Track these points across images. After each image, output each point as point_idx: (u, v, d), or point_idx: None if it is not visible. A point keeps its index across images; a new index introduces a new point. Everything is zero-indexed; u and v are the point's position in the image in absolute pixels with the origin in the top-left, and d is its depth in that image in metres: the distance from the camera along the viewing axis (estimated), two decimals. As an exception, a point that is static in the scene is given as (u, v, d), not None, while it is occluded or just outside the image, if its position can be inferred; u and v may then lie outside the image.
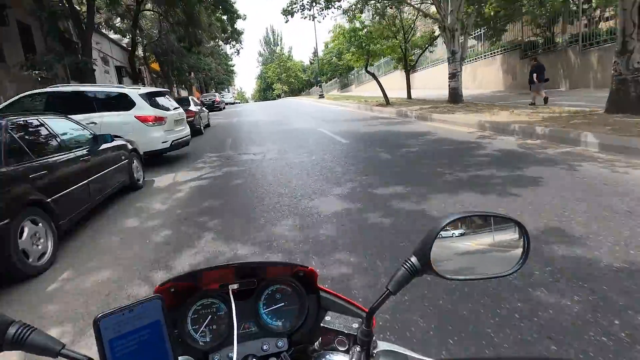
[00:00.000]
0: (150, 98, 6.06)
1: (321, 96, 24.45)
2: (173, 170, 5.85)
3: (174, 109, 6.72)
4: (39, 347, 0.44)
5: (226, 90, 50.01)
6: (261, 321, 0.65)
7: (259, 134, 9.93)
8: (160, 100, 6.44)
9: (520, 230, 0.54)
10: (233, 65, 48.56)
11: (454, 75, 11.59)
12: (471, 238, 0.56)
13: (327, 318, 0.58)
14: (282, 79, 52.81)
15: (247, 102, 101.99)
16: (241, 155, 6.84)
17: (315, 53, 63.77)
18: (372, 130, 8.62)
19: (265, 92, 66.76)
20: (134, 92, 5.87)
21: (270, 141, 8.30)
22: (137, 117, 5.82)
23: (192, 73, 26.48)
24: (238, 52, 34.46)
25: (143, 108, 5.83)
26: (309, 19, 13.40)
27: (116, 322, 0.43)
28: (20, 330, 0.44)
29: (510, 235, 0.55)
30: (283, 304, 0.66)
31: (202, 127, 11.66)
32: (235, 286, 0.63)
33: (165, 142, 6.12)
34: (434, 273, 0.51)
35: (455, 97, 11.84)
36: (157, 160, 6.31)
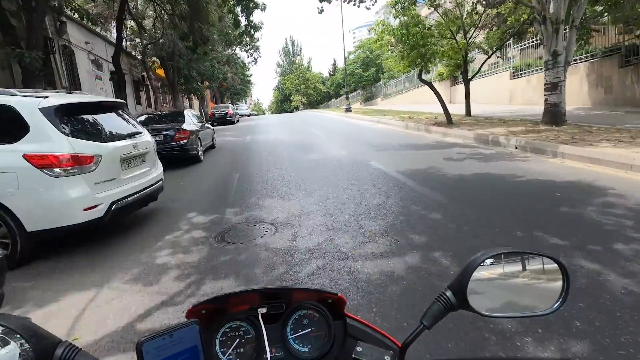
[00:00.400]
0: (68, 117, 3.26)
1: (348, 109, 20.82)
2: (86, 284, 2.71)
3: (129, 135, 3.86)
4: None
5: (242, 101, 48.09)
6: (288, 346, 0.65)
7: (282, 167, 6.82)
8: (99, 120, 3.63)
9: (560, 269, 0.54)
10: (250, 76, 46.59)
11: (555, 86, 8.01)
12: (508, 275, 0.55)
13: (359, 349, 0.58)
14: (300, 91, 51.14)
15: (264, 113, 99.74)
16: (250, 229, 3.66)
17: (334, 65, 61.36)
18: (468, 172, 5.25)
19: (283, 103, 65.07)
20: (32, 103, 3.04)
21: (301, 187, 5.14)
22: (28, 158, 2.96)
23: (206, 82, 24.13)
24: (255, 60, 31.48)
25: (44, 138, 3.02)
26: (355, 4, 10.89)
27: (157, 346, 0.46)
28: (67, 351, 0.47)
29: (549, 273, 0.55)
30: (310, 329, 0.66)
31: (200, 153, 8.75)
32: (263, 310, 0.64)
33: (93, 207, 3.17)
34: (470, 309, 0.51)
35: (555, 116, 8.66)
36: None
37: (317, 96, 52.61)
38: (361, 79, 35.27)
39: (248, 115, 32.03)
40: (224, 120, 22.49)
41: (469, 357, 0.67)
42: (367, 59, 35.37)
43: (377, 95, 32.64)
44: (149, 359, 0.46)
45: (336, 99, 46.73)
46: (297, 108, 56.96)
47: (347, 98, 24.16)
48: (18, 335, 0.45)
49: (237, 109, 28.46)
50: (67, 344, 0.48)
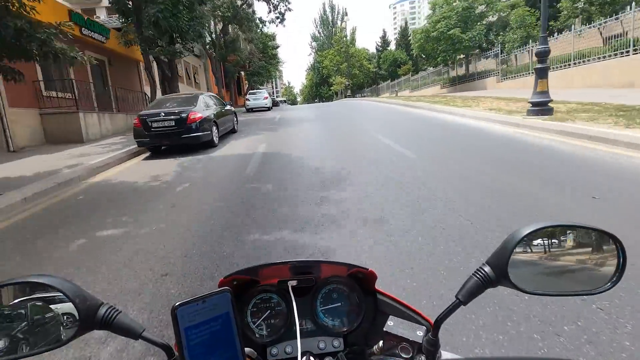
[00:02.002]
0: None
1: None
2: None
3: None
4: (124, 329, 0.57)
5: (264, 85, 46.16)
6: (318, 319, 0.78)
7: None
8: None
9: (615, 245, 0.57)
10: (276, 48, 41.21)
11: None
12: (554, 250, 0.59)
13: (390, 323, 0.67)
14: (341, 70, 49.72)
15: (295, 101, 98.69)
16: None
17: (384, 38, 59.92)
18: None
19: (319, 87, 64.87)
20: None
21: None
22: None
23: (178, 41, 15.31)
24: (281, 18, 28.09)
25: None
26: None
27: (191, 311, 0.54)
28: (108, 312, 0.56)
29: (601, 249, 0.58)
30: (340, 303, 0.79)
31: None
32: (294, 282, 0.77)
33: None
34: (511, 285, 0.55)
35: None
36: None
37: (363, 77, 51.12)
38: (456, 43, 24.55)
39: (268, 108, 25.21)
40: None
41: (471, 357, 0.74)
42: (469, 12, 24.43)
43: (485, 72, 23.88)
44: (183, 322, 0.54)
45: (391, 81, 43.88)
46: (335, 94, 55.83)
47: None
48: (64, 296, 0.53)
49: (247, 99, 25.63)
50: (109, 305, 0.57)
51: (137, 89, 16.83)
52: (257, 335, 0.77)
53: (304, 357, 0.70)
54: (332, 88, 51.92)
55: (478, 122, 9.66)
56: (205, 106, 9.10)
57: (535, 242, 0.59)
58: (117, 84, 15.10)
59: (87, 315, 0.55)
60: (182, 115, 8.31)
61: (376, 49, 58.06)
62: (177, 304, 0.54)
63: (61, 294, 0.54)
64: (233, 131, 11.78)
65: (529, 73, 18.88)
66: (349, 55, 47.86)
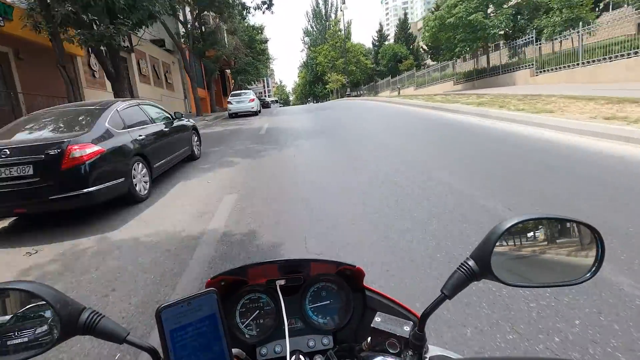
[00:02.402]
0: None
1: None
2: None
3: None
4: (107, 334, 0.56)
5: (253, 84, 42.92)
6: (307, 317, 0.80)
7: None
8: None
9: (593, 236, 0.59)
10: (265, 42, 37.19)
11: None
12: (535, 243, 0.61)
13: (377, 319, 0.67)
14: (337, 67, 45.85)
15: (288, 101, 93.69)
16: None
17: (380, 32, 55.30)
18: None
19: (313, 85, 60.78)
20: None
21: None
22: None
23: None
24: (268, 3, 23.69)
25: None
26: None
27: (176, 313, 0.54)
28: (91, 317, 0.56)
29: (580, 240, 0.61)
30: (329, 301, 0.80)
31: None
32: (282, 282, 0.78)
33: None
34: (494, 278, 0.57)
35: None
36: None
37: (360, 74, 47.22)
38: (478, 31, 20.15)
39: (254, 113, 21.17)
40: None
41: (470, 357, 0.65)
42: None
43: (513, 65, 20.02)
44: (168, 325, 0.54)
45: (391, 77, 39.45)
46: (331, 93, 51.90)
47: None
48: (44, 302, 0.52)
49: (230, 102, 21.44)
50: (91, 310, 0.57)
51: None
52: (246, 335, 0.78)
53: (294, 356, 0.71)
54: (327, 86, 47.19)
55: (597, 142, 5.96)
56: (118, 128, 5.13)
57: (517, 235, 0.60)
58: (31, 88, 10.86)
59: (69, 320, 0.55)
60: (51, 152, 4.22)
61: (372, 44, 53.62)
62: (161, 306, 0.54)
63: (42, 301, 0.53)
64: (192, 157, 7.74)
65: (577, 64, 15.43)
66: (344, 51, 43.73)
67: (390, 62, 44.42)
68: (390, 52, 44.29)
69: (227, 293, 0.78)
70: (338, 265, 0.79)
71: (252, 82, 38.85)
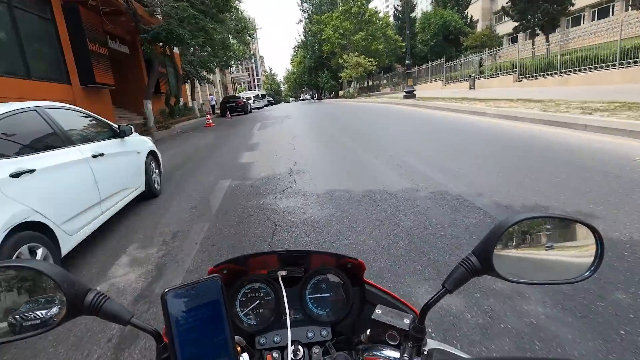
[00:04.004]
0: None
1: None
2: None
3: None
4: (112, 315, 0.60)
5: (214, 70, 29.85)
6: (306, 309, 0.86)
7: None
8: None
9: (593, 235, 0.65)
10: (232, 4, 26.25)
11: None
12: (537, 241, 0.67)
13: (378, 311, 0.72)
14: (356, 45, 33.82)
15: (279, 101, 77.92)
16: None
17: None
18: None
19: (315, 73, 48.54)
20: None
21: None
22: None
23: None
24: None
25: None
26: None
27: (181, 297, 0.58)
28: (96, 298, 0.60)
29: (581, 239, 0.66)
30: (328, 294, 0.87)
31: None
32: (284, 273, 0.84)
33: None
34: (495, 274, 0.62)
35: None
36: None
37: (387, 56, 36.42)
38: None
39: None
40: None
41: (469, 357, 0.68)
42: None
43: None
44: (173, 308, 0.57)
45: (446, 62, 28.98)
46: (348, 84, 41.53)
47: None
48: (52, 281, 0.58)
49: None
50: (97, 291, 0.61)
51: None
52: (245, 324, 0.85)
53: (292, 346, 0.78)
54: (342, 74, 29.63)
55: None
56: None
57: (519, 233, 0.66)
58: None
59: (75, 300, 0.58)
60: None
61: (395, 16, 36.46)
62: (167, 289, 0.58)
63: (50, 279, 0.58)
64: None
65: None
66: (366, 21, 34.20)
67: (436, 38, 27.45)
68: (438, 21, 27.07)
69: (228, 282, 0.85)
70: (339, 257, 0.86)
71: (214, 65, 22.06)
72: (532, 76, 19.25)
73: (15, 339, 0.57)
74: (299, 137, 10.25)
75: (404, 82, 41.13)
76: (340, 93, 52.44)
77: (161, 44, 15.57)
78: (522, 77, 20.26)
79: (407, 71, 19.43)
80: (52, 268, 0.58)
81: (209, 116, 18.33)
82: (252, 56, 43.02)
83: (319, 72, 47.56)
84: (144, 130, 14.54)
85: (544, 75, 18.43)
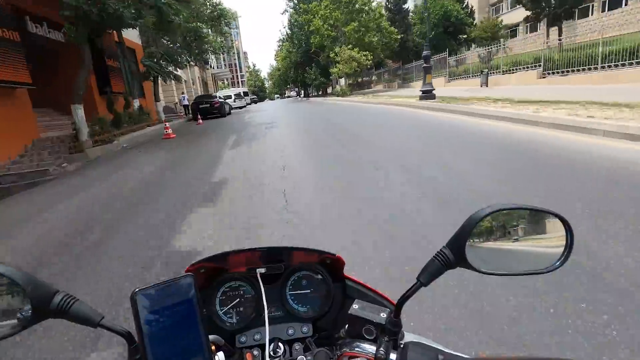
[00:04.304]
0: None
1: None
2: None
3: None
4: (81, 317, 0.58)
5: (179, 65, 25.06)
6: (287, 306, 0.87)
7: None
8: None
9: (563, 226, 0.65)
10: None
11: None
12: (509, 232, 0.68)
13: (355, 306, 0.73)
14: (347, 36, 30.65)
15: (262, 97, 74.85)
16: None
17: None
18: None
19: (303, 69, 44.85)
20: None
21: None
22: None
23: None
24: None
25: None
26: None
27: (152, 297, 0.57)
28: (64, 300, 0.58)
29: (551, 230, 0.67)
30: (309, 290, 0.88)
31: None
32: (262, 270, 0.84)
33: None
34: (469, 266, 0.63)
35: None
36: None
37: (382, 50, 32.86)
38: None
39: None
40: None
41: (469, 357, 0.63)
42: None
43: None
44: (143, 308, 0.56)
45: (449, 55, 27.96)
46: (337, 81, 39.35)
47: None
48: (15, 284, 0.56)
49: None
50: (65, 293, 0.59)
51: None
52: (227, 323, 0.85)
53: (272, 344, 0.79)
54: (333, 70, 26.24)
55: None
56: None
57: (491, 225, 0.66)
58: None
59: (40, 303, 0.57)
60: None
61: (387, 7, 33.49)
62: (136, 289, 0.57)
63: (13, 282, 0.56)
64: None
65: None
66: (357, 10, 30.51)
67: (436, 30, 24.50)
68: (440, 11, 24.09)
69: (207, 280, 0.85)
70: (319, 253, 0.85)
71: (183, 58, 18.63)
72: (563, 72, 16.05)
73: None
74: (292, 166, 6.28)
75: (398, 79, 36.24)
76: (329, 90, 48.70)
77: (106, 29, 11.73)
78: (549, 73, 17.07)
79: (425, 65, 14.96)
80: (15, 272, 0.56)
81: (167, 125, 13.92)
82: (232, 49, 38.80)
83: (306, 67, 43.66)
84: (73, 147, 10.46)
85: (580, 70, 15.14)
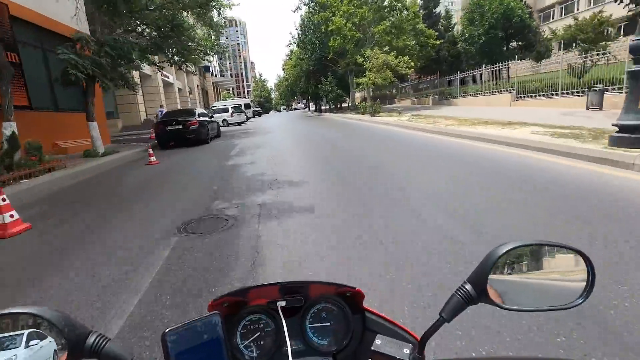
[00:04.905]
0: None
1: None
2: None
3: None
4: (112, 357, 0.59)
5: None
6: (307, 339, 0.85)
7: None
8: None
9: (584, 262, 0.66)
10: None
11: None
12: (530, 267, 0.68)
13: (378, 342, 0.72)
14: (379, 40, 23.79)
15: (267, 108, 77.15)
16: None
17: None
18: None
19: (315, 79, 37.86)
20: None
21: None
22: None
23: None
24: None
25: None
26: None
27: (181, 337, 0.59)
28: (97, 340, 0.59)
29: (572, 266, 0.67)
30: (329, 323, 0.86)
31: None
32: (283, 303, 0.83)
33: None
34: (490, 302, 0.64)
35: None
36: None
37: (417, 59, 26.08)
38: None
39: None
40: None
41: (469, 357, 0.89)
42: None
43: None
44: (174, 348, 0.57)
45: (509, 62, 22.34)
46: (343, 97, 33.45)
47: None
48: (53, 325, 0.57)
49: None
50: (98, 333, 0.60)
51: None
52: (247, 357, 0.83)
53: None
54: (361, 80, 18.96)
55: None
56: None
57: (512, 261, 0.66)
58: None
59: (77, 344, 0.58)
60: None
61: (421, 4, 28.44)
62: (167, 330, 0.59)
63: (51, 324, 0.57)
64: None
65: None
66: (388, 8, 24.32)
67: (492, 33, 17.70)
68: (499, 8, 17.02)
69: (228, 314, 0.84)
70: (338, 287, 0.85)
71: (138, 53, 11.56)
72: None
73: None
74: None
75: (433, 94, 28.37)
76: (344, 104, 43.64)
77: None
78: None
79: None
80: (53, 313, 0.57)
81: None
82: (227, 50, 31.96)
83: (320, 77, 36.18)
84: None
85: None
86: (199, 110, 16.64)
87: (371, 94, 30.70)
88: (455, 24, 37.50)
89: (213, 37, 22.01)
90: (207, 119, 16.10)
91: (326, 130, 17.54)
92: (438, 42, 27.96)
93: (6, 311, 0.56)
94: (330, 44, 27.56)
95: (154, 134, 15.62)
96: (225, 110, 30.88)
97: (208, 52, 21.94)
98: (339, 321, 0.84)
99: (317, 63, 36.93)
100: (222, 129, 23.39)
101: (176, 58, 17.97)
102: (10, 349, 0.57)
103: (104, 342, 0.59)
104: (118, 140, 17.98)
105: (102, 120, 15.15)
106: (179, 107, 37.11)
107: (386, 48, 23.04)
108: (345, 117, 25.45)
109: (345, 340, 0.82)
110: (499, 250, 0.62)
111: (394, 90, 37.82)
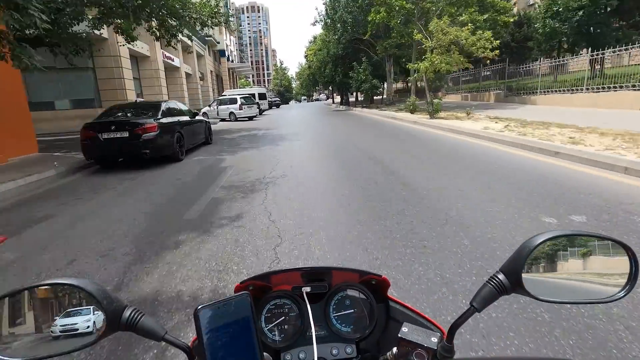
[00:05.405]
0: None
1: None
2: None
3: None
4: (147, 331, 0.62)
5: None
6: (330, 325, 0.85)
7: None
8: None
9: (627, 253, 0.63)
10: None
11: None
12: (567, 258, 0.65)
13: (405, 329, 0.71)
14: (431, 13, 16.75)
15: (287, 99, 73.69)
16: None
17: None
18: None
19: (343, 66, 31.10)
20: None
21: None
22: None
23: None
24: None
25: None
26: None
27: (213, 314, 0.59)
28: (133, 315, 0.62)
29: (614, 258, 0.64)
30: (352, 310, 0.86)
31: None
32: (308, 289, 0.83)
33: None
34: (525, 293, 0.61)
35: None
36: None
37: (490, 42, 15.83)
38: None
39: None
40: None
41: (469, 357, 0.84)
42: None
43: None
44: (205, 324, 0.58)
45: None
46: (378, 88, 29.50)
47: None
48: (92, 298, 0.59)
49: None
50: (133, 308, 0.63)
51: None
52: (270, 340, 0.84)
53: None
54: (417, 66, 11.97)
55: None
56: None
57: (548, 251, 0.63)
58: None
59: (113, 317, 0.60)
60: None
61: None
62: (199, 306, 0.59)
63: (90, 296, 0.60)
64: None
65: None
66: None
67: (590, 9, 15.95)
68: None
69: (254, 298, 0.80)
70: (362, 274, 0.86)
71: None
72: None
73: (58, 354, 0.57)
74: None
75: (497, 88, 21.45)
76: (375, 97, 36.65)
77: None
78: None
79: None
80: (92, 285, 0.58)
81: None
82: (231, 19, 25.64)
83: (352, 63, 29.60)
84: None
85: None
86: (171, 104, 9.79)
87: (417, 85, 23.15)
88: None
89: (213, 1, 16.30)
90: (182, 119, 9.50)
91: (370, 138, 11.12)
92: (511, 20, 20.83)
93: (50, 282, 0.58)
94: (370, 18, 21.08)
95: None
96: (234, 101, 24.24)
97: (206, 23, 16.16)
98: (363, 309, 0.84)
99: (348, 46, 30.74)
100: (226, 125, 18.54)
101: (154, 24, 11.97)
102: (51, 317, 0.60)
103: (139, 317, 0.61)
104: (57, 144, 11.82)
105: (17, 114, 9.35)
106: (185, 96, 31.20)
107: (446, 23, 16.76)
108: (385, 116, 19.01)
109: (368, 328, 0.83)
110: (534, 240, 0.60)
111: (443, 82, 29.83)
